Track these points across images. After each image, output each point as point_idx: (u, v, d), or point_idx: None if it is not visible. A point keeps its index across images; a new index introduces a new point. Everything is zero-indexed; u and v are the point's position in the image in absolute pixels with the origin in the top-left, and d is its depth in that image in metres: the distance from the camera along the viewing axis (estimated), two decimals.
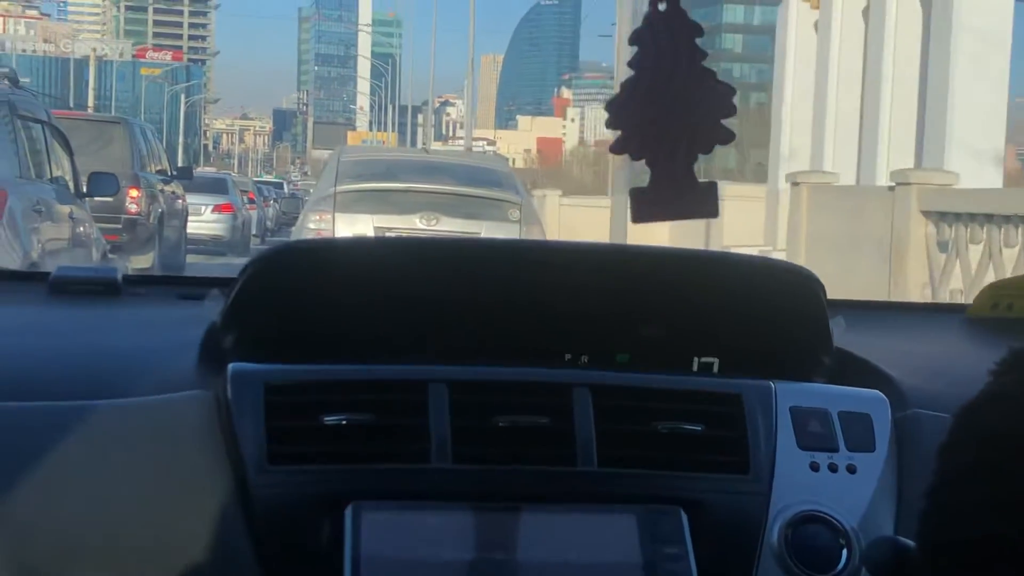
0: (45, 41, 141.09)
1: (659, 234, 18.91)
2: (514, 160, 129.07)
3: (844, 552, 1.32)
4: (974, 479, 0.82)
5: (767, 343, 1.55)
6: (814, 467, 1.39)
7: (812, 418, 1.42)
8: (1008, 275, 8.06)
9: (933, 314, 2.21)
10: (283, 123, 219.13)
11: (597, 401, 1.37)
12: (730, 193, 20.09)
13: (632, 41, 1.27)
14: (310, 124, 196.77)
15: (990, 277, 8.57)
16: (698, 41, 1.27)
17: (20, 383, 1.34)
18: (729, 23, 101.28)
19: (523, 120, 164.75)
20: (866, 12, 16.25)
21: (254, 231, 24.61)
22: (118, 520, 1.22)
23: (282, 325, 1.48)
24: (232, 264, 16.18)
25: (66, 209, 7.96)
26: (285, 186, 47.59)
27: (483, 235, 8.48)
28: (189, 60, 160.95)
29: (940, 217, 10.04)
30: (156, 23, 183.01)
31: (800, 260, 11.60)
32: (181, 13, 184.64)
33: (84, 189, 8.73)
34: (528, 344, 1.51)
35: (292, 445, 1.30)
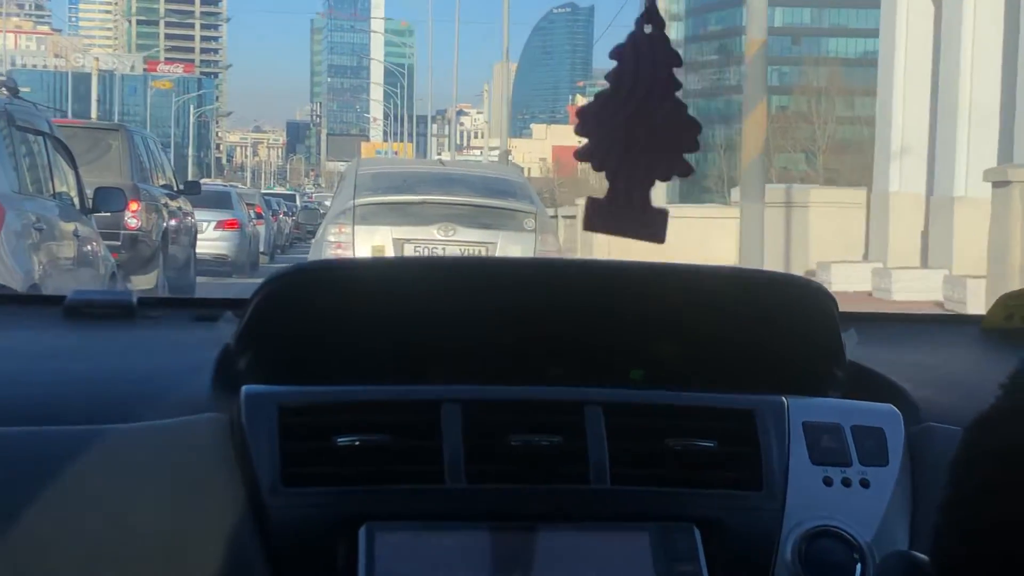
0: (56, 56, 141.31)
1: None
2: (529, 169, 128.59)
3: (859, 567, 1.32)
4: (990, 496, 0.82)
5: (780, 358, 1.55)
6: (827, 482, 1.39)
7: (825, 433, 1.42)
8: None
9: (947, 326, 2.17)
10: (297, 135, 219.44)
11: (609, 419, 1.38)
12: (817, 199, 18.66)
13: (613, 56, 1.30)
14: (324, 136, 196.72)
15: None
16: (676, 71, 1.32)
17: (37, 408, 1.35)
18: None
19: (537, 128, 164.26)
20: None
21: (262, 248, 23.03)
22: (134, 543, 1.23)
23: (295, 346, 1.49)
24: (245, 284, 15.74)
25: (70, 226, 7.60)
26: (298, 198, 45.50)
27: (499, 244, 8.82)
28: (201, 73, 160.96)
29: None
30: (168, 37, 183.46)
31: (1013, 285, 9.08)
32: (192, 27, 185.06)
33: (90, 205, 8.37)
34: (541, 361, 1.52)
35: (306, 467, 1.31)
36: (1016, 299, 1.96)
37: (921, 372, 1.64)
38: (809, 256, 17.89)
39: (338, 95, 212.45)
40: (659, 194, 21.23)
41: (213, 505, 1.27)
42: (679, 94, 1.32)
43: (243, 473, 1.30)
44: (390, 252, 8.76)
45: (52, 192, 7.62)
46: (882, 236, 16.84)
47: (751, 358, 1.56)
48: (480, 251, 8.90)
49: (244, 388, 1.38)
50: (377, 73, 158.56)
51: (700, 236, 20.30)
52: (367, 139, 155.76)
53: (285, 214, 32.72)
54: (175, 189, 13.73)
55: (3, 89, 7.56)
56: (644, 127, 1.30)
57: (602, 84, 1.36)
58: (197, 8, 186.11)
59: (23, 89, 8.58)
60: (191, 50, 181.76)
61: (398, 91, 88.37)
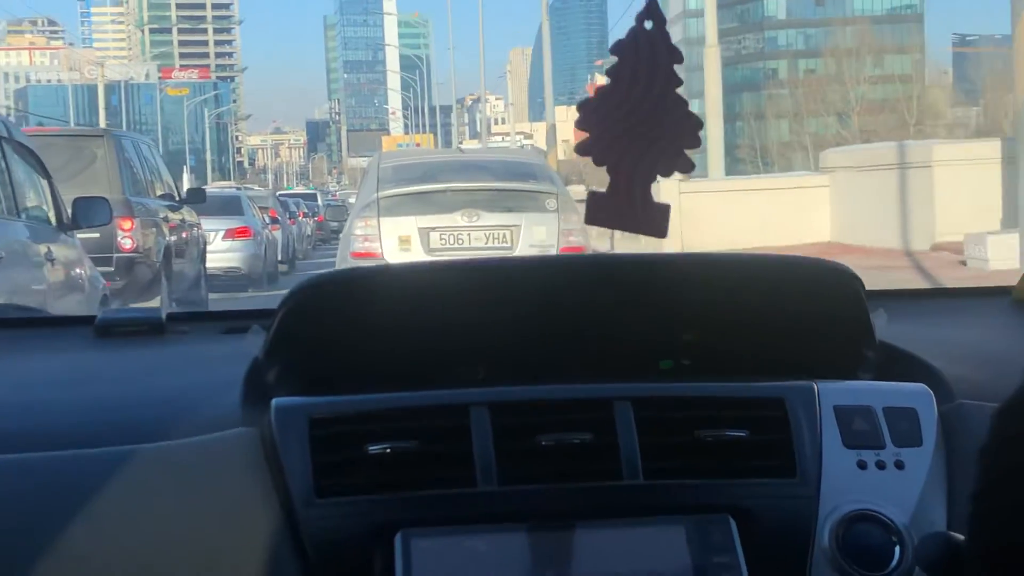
0: (70, 70, 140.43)
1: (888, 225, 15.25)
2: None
3: (897, 549, 1.32)
4: (1019, 481, 0.83)
5: (810, 342, 1.56)
6: (861, 465, 1.39)
7: (857, 416, 1.42)
8: None
9: (978, 299, 2.13)
10: (317, 134, 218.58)
11: (639, 414, 1.39)
12: (942, 156, 16.31)
13: (613, 51, 1.31)
14: (344, 132, 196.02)
15: None
16: (677, 68, 1.32)
17: (74, 433, 1.39)
18: None
19: (559, 111, 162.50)
20: None
21: (279, 256, 20.02)
22: (171, 561, 1.25)
23: (323, 356, 1.52)
24: (266, 296, 14.59)
25: (42, 248, 6.43)
26: (319, 196, 43.01)
27: (523, 226, 8.98)
28: (217, 78, 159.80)
29: None
30: (181, 43, 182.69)
31: None
32: (205, 32, 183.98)
33: (70, 220, 7.08)
34: (570, 356, 1.54)
35: (339, 477, 1.33)
36: None
37: (952, 349, 1.62)
38: (935, 226, 15.78)
39: (355, 90, 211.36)
40: (716, 166, 18.97)
41: (248, 520, 1.28)
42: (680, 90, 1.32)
43: (276, 486, 1.31)
44: (416, 241, 8.87)
45: (15, 209, 6.33)
46: None
47: (780, 344, 1.56)
48: (504, 234, 9.01)
49: (274, 401, 1.39)
50: (393, 64, 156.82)
51: (791, 208, 18.07)
52: (387, 132, 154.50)
53: (305, 215, 30.05)
54: (177, 199, 11.95)
55: None
56: (644, 123, 1.30)
57: None
58: (209, 13, 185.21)
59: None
60: (206, 55, 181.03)
61: (416, 81, 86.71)
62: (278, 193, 36.53)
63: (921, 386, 1.47)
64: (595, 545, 1.32)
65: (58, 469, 1.31)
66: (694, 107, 1.34)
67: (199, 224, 12.59)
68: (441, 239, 9.00)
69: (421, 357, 1.52)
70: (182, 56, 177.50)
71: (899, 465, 1.39)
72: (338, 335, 1.51)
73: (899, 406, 1.43)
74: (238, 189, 25.55)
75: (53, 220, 6.91)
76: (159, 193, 11.33)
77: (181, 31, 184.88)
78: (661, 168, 1.32)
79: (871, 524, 1.34)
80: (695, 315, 1.56)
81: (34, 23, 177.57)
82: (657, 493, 1.35)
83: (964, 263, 14.29)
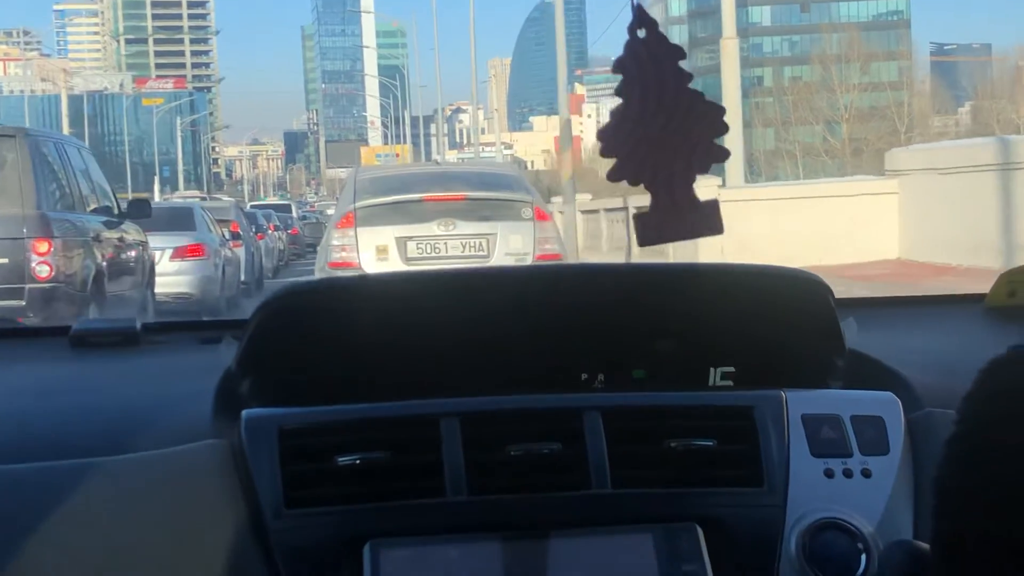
0: (43, 80, 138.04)
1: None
2: (532, 162, 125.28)
3: (863, 557, 1.34)
4: (976, 464, 0.84)
5: (780, 350, 1.57)
6: (828, 474, 1.41)
7: (824, 424, 1.44)
8: None
9: (950, 306, 2.15)
10: (295, 145, 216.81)
11: (608, 424, 1.40)
12: None
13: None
14: (322, 143, 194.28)
15: None
16: (682, 63, 1.31)
17: (45, 443, 1.39)
18: None
19: (538, 120, 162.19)
20: None
21: (243, 277, 16.91)
22: (140, 570, 1.26)
23: (294, 367, 1.52)
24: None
25: (113, 234, 6.45)
26: (294, 208, 40.19)
27: (499, 235, 9.10)
28: (194, 88, 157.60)
29: None
30: (157, 54, 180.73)
31: None
32: (182, 42, 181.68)
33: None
34: (544, 366, 1.55)
35: (308, 488, 1.34)
36: (1019, 275, 1.91)
37: (922, 357, 1.65)
38: None
39: (334, 101, 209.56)
40: (736, 169, 16.65)
41: (217, 531, 1.29)
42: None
43: (246, 498, 1.32)
44: (393, 250, 9.01)
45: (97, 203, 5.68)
46: None
47: (752, 352, 1.58)
48: (480, 243, 9.14)
49: (244, 412, 1.41)
50: (371, 68, 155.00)
51: (849, 220, 15.35)
52: (366, 143, 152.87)
53: (276, 228, 27.03)
54: (116, 212, 9.93)
55: None
56: (669, 127, 1.30)
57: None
58: (185, 23, 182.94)
59: None
60: (182, 66, 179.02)
61: (397, 86, 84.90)
62: (251, 204, 34.05)
63: (888, 394, 1.49)
64: (564, 554, 1.33)
65: (27, 481, 1.30)
66: None
67: (145, 242, 10.60)
68: (418, 248, 9.14)
69: (393, 367, 1.53)
70: (158, 67, 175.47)
71: (866, 473, 1.40)
72: (310, 345, 1.52)
73: (866, 414, 1.45)
74: (203, 199, 23.10)
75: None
76: (92, 207, 9.35)
77: (157, 41, 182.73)
78: (698, 165, 1.30)
79: (838, 532, 1.35)
80: (668, 324, 1.57)
81: (9, 34, 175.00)
82: (625, 502, 1.36)
83: None
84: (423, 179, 9.98)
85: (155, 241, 11.72)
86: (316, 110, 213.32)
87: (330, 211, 21.52)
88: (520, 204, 9.45)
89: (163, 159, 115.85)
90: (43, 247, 7.88)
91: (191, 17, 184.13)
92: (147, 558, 1.26)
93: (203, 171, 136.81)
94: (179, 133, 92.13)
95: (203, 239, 14.07)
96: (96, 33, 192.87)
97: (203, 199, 24.36)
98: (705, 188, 15.45)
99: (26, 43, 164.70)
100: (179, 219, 14.13)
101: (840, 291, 1.66)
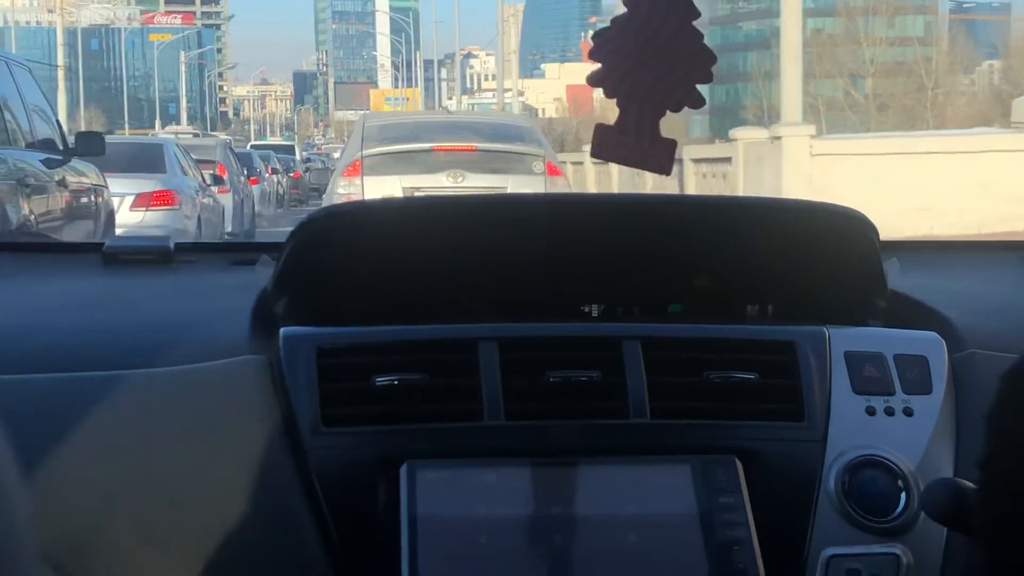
0: (49, 11, 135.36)
1: None
2: (544, 110, 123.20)
3: (903, 496, 1.33)
4: None
5: (821, 288, 1.57)
6: (870, 411, 1.40)
7: (867, 362, 1.43)
8: None
9: (992, 253, 2.11)
10: (304, 86, 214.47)
11: (648, 354, 1.40)
12: None
13: None
14: (331, 85, 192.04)
15: None
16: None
17: (78, 356, 1.39)
18: None
19: (550, 68, 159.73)
20: None
21: (228, 227, 14.64)
22: (175, 481, 1.26)
23: (332, 288, 1.52)
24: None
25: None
26: (297, 149, 37.01)
27: (509, 189, 8.79)
28: (203, 25, 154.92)
29: None
30: None
31: None
32: None
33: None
34: (579, 298, 1.55)
35: (345, 407, 1.34)
36: None
37: (965, 299, 1.62)
38: None
39: (344, 42, 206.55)
40: (792, 117, 14.50)
41: (253, 446, 1.29)
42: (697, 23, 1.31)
43: (282, 414, 1.32)
44: None
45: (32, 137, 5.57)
46: None
47: (791, 289, 1.57)
48: None
49: (282, 330, 1.41)
50: (383, 3, 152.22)
51: (968, 181, 12.74)
52: (375, 86, 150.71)
53: (275, 172, 24.03)
54: (62, 149, 8.15)
55: None
56: (658, 56, 1.30)
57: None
58: None
59: None
60: (191, 1, 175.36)
61: (409, 23, 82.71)
62: (250, 144, 31.44)
63: (932, 334, 1.47)
64: (600, 483, 1.33)
65: (63, 391, 1.31)
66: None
67: (102, 186, 8.72)
68: None
69: (430, 291, 1.52)
70: (167, 2, 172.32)
71: (908, 412, 1.39)
72: (348, 267, 1.51)
73: (910, 353, 1.43)
74: (196, 135, 20.43)
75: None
76: (28, 142, 7.47)
77: None
78: (672, 103, 1.31)
79: (878, 470, 1.34)
80: (707, 258, 1.56)
81: None
82: (663, 433, 1.36)
83: None
84: (433, 128, 9.72)
85: (119, 185, 9.86)
86: (326, 51, 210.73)
87: (336, 154, 20.41)
88: (532, 158, 9.22)
89: (170, 96, 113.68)
90: None
91: None
92: (183, 468, 1.26)
93: (209, 109, 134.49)
94: (183, 67, 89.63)
95: (173, 184, 11.74)
96: None
97: (196, 135, 21.38)
98: (796, 138, 12.58)
99: None
100: (145, 159, 11.82)
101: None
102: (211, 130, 79.25)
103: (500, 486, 1.30)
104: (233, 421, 1.30)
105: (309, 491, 1.28)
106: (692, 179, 16.67)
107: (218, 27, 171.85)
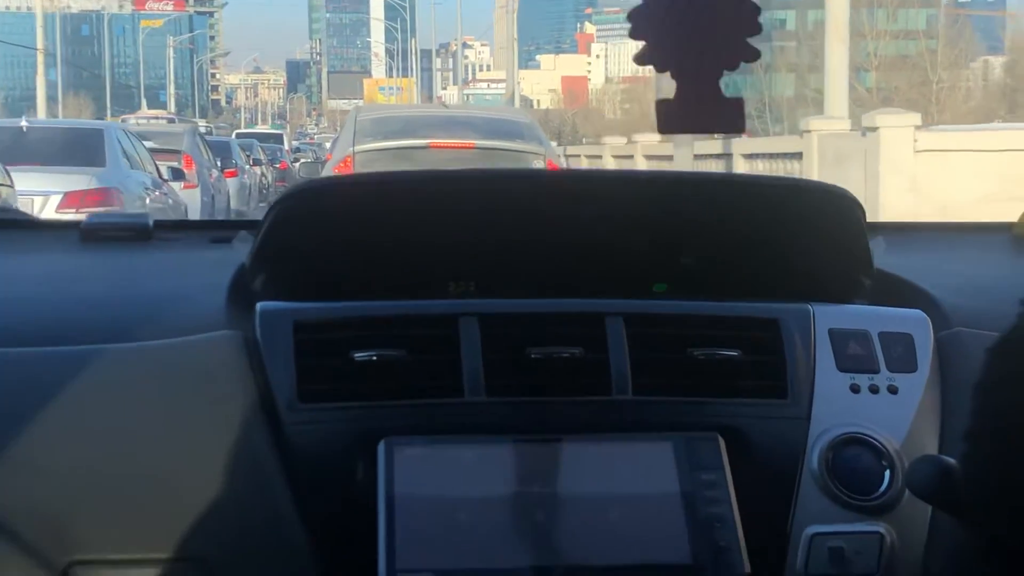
0: None
1: None
2: (539, 101, 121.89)
3: (887, 474, 1.33)
4: (1015, 410, 0.83)
5: (806, 266, 1.56)
6: (854, 389, 1.40)
7: (852, 340, 1.43)
8: None
9: (977, 234, 2.11)
10: (297, 74, 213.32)
11: (631, 330, 1.39)
12: None
13: None
14: (324, 74, 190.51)
15: None
16: None
17: (53, 329, 1.39)
18: None
19: (545, 59, 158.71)
20: None
21: None
22: (152, 456, 1.26)
23: (310, 264, 1.51)
24: None
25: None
26: (285, 139, 34.77)
27: None
28: (195, 12, 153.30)
29: None
30: None
31: None
32: None
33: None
34: (562, 275, 1.54)
35: (323, 383, 1.34)
36: None
37: (950, 279, 1.63)
38: None
39: (338, 31, 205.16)
40: (838, 102, 13.11)
41: (230, 422, 1.29)
42: None
43: (259, 390, 1.32)
44: None
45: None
46: None
47: (777, 267, 1.56)
48: None
49: (259, 305, 1.40)
50: (378, 10, 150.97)
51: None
52: (369, 75, 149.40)
53: (256, 163, 21.55)
54: None
55: None
56: (702, 17, 1.27)
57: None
58: None
59: None
60: None
61: (405, 8, 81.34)
62: (235, 133, 29.39)
63: (918, 312, 1.48)
64: (582, 460, 1.32)
65: (39, 364, 1.30)
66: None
67: (7, 183, 7.19)
68: None
69: (410, 267, 1.51)
70: None
71: (892, 390, 1.40)
72: (327, 243, 1.50)
73: (895, 331, 1.44)
74: (171, 121, 18.09)
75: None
76: None
77: None
78: (726, 61, 1.27)
79: (862, 447, 1.34)
80: (691, 237, 1.55)
81: None
82: (646, 409, 1.36)
83: None
84: (429, 123, 9.38)
85: (37, 182, 8.08)
86: (319, 39, 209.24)
87: (328, 144, 19.24)
88: (532, 156, 8.97)
89: (160, 84, 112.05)
90: None
91: None
92: (160, 443, 1.26)
93: (199, 96, 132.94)
94: (171, 52, 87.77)
95: (115, 180, 9.30)
96: None
97: (171, 121, 18.84)
98: (896, 129, 10.34)
99: None
100: (81, 149, 9.47)
101: None
102: (200, 118, 77.51)
103: (480, 463, 1.30)
104: (209, 396, 1.29)
105: (287, 467, 1.27)
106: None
107: (211, 14, 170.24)
